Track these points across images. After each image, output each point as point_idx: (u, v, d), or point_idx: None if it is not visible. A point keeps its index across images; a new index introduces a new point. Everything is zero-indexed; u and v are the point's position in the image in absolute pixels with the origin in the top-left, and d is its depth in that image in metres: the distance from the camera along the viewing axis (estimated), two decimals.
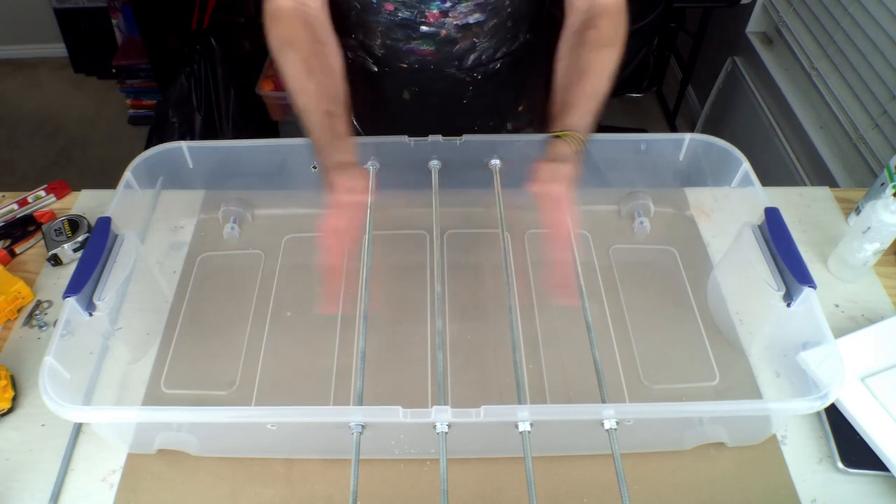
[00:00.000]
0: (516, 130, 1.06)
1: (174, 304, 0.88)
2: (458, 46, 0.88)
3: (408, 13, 0.84)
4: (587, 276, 0.87)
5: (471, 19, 0.85)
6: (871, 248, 0.85)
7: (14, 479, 0.72)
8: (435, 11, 0.84)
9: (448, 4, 0.83)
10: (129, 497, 0.71)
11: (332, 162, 0.70)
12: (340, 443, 0.66)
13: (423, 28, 0.85)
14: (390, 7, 0.84)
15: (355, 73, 0.95)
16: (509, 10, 0.87)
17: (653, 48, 2.28)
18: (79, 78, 2.89)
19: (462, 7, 0.83)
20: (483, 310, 0.87)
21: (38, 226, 0.96)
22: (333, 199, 0.67)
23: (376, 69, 0.92)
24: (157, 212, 0.91)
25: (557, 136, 0.73)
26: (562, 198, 0.69)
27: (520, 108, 1.04)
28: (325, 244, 0.67)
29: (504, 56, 0.93)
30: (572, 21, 0.82)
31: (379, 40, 0.89)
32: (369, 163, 0.90)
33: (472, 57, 0.90)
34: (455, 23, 0.85)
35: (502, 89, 0.98)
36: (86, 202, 1.02)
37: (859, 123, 1.52)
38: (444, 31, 0.86)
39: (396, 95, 0.95)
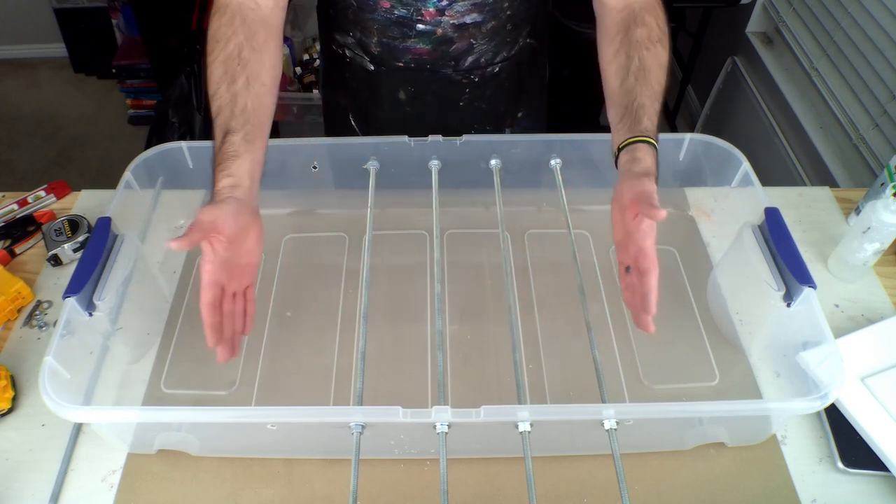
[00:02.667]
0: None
1: (174, 304, 0.88)
2: (454, 46, 0.88)
3: (404, 11, 0.84)
4: (587, 276, 0.87)
5: (468, 19, 0.85)
6: (871, 248, 0.85)
7: (14, 479, 0.72)
8: (431, 9, 0.83)
9: (444, 3, 0.83)
10: (129, 497, 0.71)
11: (214, 190, 0.67)
12: (340, 443, 0.66)
13: (420, 26, 0.85)
14: (386, 4, 0.84)
15: (353, 71, 0.95)
16: (508, 12, 0.87)
17: None
18: (79, 78, 2.89)
19: (458, 6, 0.83)
20: (483, 310, 0.87)
21: (38, 226, 0.96)
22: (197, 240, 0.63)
23: (373, 67, 0.92)
24: (157, 212, 0.91)
25: (636, 142, 0.68)
26: (652, 225, 0.64)
27: (519, 114, 1.03)
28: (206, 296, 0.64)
29: (504, 60, 0.92)
30: (612, 22, 0.78)
31: (375, 38, 0.88)
32: (369, 163, 0.90)
33: (469, 59, 0.90)
34: (452, 22, 0.85)
35: (501, 94, 0.97)
36: (86, 202, 1.01)
37: (859, 123, 1.52)
38: (440, 30, 0.86)
39: (392, 95, 0.95)
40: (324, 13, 0.94)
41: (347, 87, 0.98)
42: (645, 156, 0.67)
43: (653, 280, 0.64)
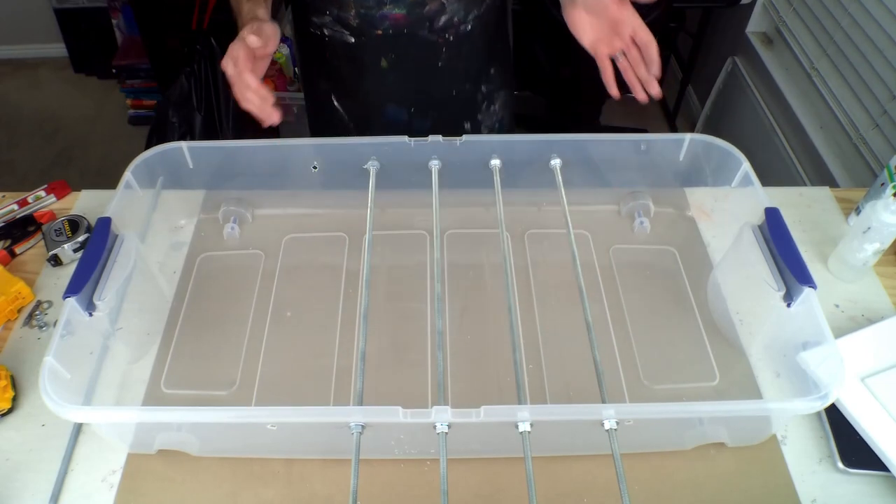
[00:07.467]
0: (489, 94, 1.10)
1: (174, 304, 0.88)
2: (427, 8, 0.93)
3: None
4: (587, 276, 0.86)
5: None
6: (871, 248, 0.85)
7: (14, 479, 0.72)
8: None
9: None
10: (129, 497, 0.71)
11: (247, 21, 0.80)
12: (340, 443, 0.66)
13: None
14: None
15: (333, 49, 0.99)
16: None
17: None
18: (79, 78, 2.89)
19: None
20: (483, 310, 0.87)
21: (39, 226, 0.96)
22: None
23: (353, 40, 0.97)
24: (157, 212, 0.91)
25: None
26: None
27: (491, 71, 1.08)
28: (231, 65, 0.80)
29: (475, 19, 0.98)
30: None
31: (353, 11, 0.93)
32: (369, 163, 0.90)
33: (443, 18, 0.95)
34: None
35: (474, 52, 1.03)
36: (86, 202, 1.02)
37: (859, 123, 1.52)
38: None
39: (374, 65, 0.99)
40: (297, 1, 0.99)
41: (328, 66, 1.03)
42: None
43: (656, 49, 0.77)
